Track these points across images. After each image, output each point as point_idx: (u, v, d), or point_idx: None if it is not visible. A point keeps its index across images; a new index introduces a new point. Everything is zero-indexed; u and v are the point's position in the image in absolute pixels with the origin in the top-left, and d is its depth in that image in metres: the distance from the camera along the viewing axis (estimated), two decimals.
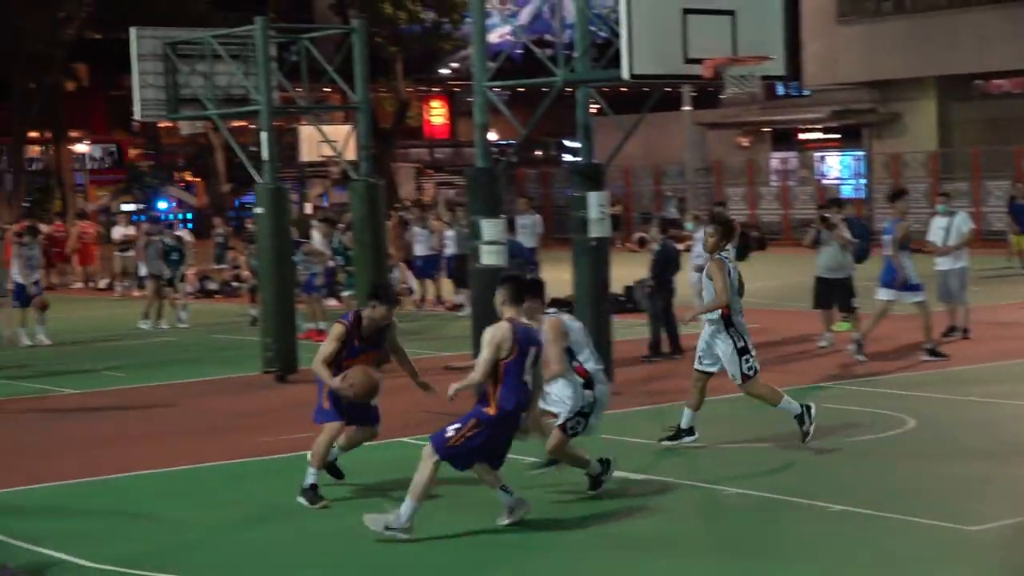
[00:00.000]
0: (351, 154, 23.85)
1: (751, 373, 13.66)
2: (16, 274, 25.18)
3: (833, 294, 20.94)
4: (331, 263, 25.81)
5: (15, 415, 17.87)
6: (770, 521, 11.33)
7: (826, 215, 21.50)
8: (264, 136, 20.94)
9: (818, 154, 54.67)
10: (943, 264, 21.25)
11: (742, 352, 13.61)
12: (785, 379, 14.30)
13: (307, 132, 38.32)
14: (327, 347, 12.11)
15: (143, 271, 29.57)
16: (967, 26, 48.30)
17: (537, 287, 12.06)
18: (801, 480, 12.66)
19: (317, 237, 26.83)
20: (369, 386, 11.93)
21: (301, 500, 12.03)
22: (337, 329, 12.17)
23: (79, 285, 38.53)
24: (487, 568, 10.43)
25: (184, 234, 31.34)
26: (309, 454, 12.21)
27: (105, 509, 12.04)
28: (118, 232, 36.46)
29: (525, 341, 10.97)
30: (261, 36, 20.85)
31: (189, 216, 63.25)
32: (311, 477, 12.09)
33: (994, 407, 15.85)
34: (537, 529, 11.07)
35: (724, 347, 13.66)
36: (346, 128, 28.87)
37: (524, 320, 11.23)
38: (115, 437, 16.03)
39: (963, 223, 21.82)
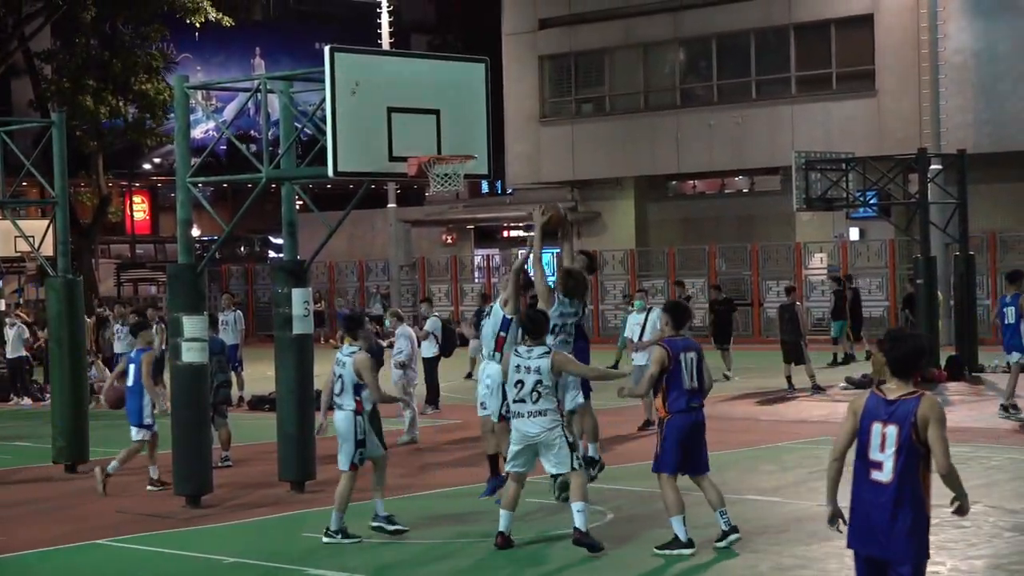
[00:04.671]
0: (49, 249, 23.29)
1: None
2: None
3: None
4: None
5: None
6: None
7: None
8: None
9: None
10: (639, 359, 21.80)
11: None
12: None
13: (2, 227, 37.27)
14: None
15: None
16: (663, 129, 50.08)
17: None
18: None
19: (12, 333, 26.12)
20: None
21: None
22: None
23: None
24: None
25: None
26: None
27: None
28: None
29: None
30: None
31: None
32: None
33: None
34: None
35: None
36: (44, 223, 28.24)
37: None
38: None
39: (659, 319, 22.43)
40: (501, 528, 13.43)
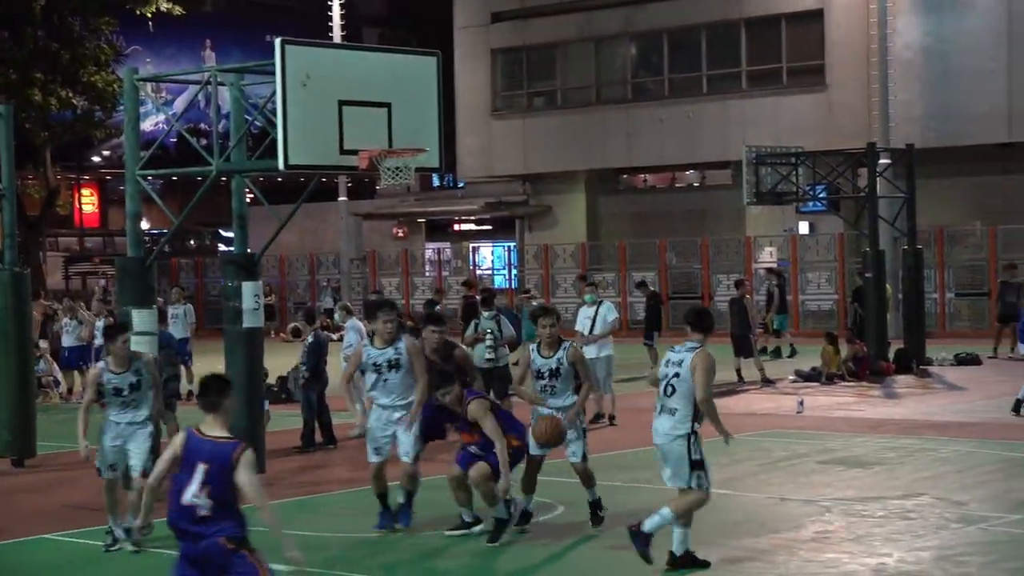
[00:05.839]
0: None
1: None
2: None
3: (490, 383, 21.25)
4: None
5: None
6: None
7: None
8: None
9: (472, 244, 55.67)
10: (589, 352, 21.79)
11: None
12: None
13: None
14: None
15: None
16: (615, 123, 50.17)
17: None
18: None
19: None
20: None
21: None
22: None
23: None
24: None
25: None
26: None
27: None
28: None
29: None
30: None
31: None
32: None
33: (638, 491, 16.32)
34: None
35: None
36: None
37: None
38: None
39: (609, 312, 22.56)
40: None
